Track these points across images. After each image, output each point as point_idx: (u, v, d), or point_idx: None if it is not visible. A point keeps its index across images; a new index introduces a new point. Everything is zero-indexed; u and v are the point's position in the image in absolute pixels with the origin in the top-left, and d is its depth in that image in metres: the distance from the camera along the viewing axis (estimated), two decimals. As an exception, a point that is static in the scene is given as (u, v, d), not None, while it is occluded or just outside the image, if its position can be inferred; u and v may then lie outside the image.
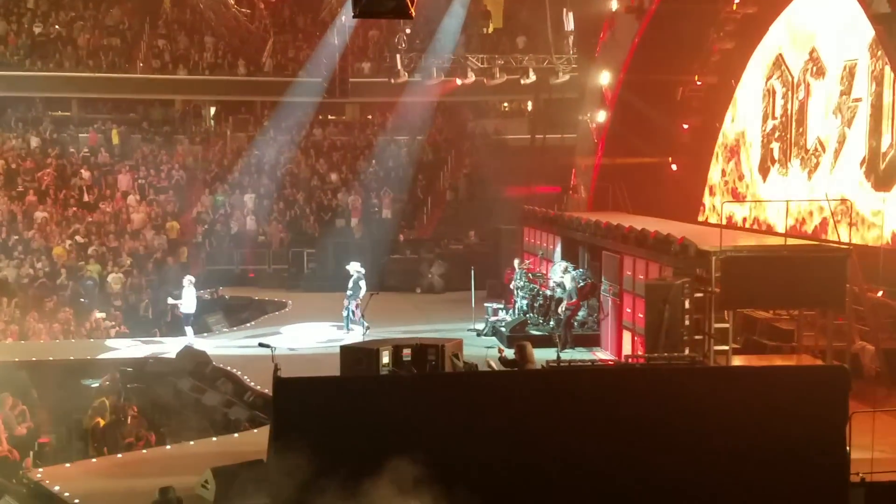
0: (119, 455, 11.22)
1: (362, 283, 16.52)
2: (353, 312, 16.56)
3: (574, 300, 15.06)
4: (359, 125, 28.14)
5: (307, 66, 25.57)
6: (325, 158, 26.44)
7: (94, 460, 11.17)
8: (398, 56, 24.16)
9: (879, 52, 14.60)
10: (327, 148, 26.86)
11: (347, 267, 16.87)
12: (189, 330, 16.49)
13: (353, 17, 9.19)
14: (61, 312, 19.16)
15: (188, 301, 16.38)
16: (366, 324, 16.36)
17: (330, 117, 28.22)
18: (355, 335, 16.03)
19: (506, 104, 28.70)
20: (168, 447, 11.51)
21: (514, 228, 20.83)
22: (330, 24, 25.50)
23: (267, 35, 26.31)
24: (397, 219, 24.76)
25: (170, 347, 15.94)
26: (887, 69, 14.36)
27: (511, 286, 17.25)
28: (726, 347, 11.54)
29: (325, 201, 25.12)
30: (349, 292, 16.56)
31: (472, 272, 17.53)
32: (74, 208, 23.32)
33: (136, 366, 15.04)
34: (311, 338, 16.67)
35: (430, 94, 25.22)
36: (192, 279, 16.78)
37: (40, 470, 10.45)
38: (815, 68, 16.98)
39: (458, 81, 24.29)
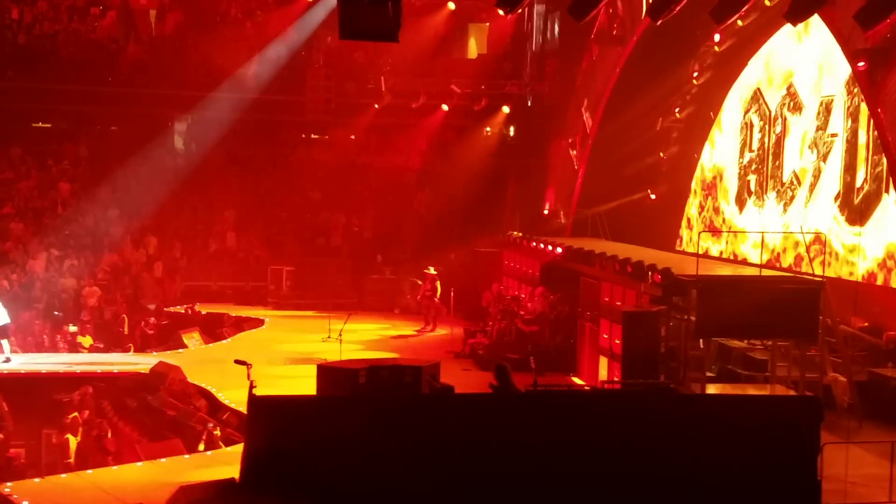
0: (89, 471, 11.07)
1: None
2: None
3: (534, 326, 15.20)
4: (342, 145, 28.18)
5: (293, 86, 25.58)
6: (307, 177, 26.46)
7: (64, 476, 11.00)
8: (382, 78, 24.33)
9: (856, 90, 14.90)
10: (310, 167, 26.88)
11: None
12: (5, 344, 15.79)
13: (340, 38, 9.25)
14: (35, 325, 18.95)
15: None
16: None
17: (314, 136, 28.26)
18: None
19: (488, 129, 28.89)
20: (139, 464, 11.38)
21: (494, 252, 20.92)
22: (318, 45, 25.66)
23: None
24: (379, 239, 24.78)
25: (144, 363, 15.80)
26: (863, 106, 14.66)
27: (489, 309, 17.31)
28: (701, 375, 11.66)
29: (307, 220, 25.10)
30: None
31: (452, 294, 17.57)
32: (52, 220, 23.13)
33: (109, 380, 14.88)
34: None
35: (414, 116, 25.39)
36: None
37: (9, 484, 10.28)
38: (792, 103, 17.29)
39: (444, 107, 24.50)
